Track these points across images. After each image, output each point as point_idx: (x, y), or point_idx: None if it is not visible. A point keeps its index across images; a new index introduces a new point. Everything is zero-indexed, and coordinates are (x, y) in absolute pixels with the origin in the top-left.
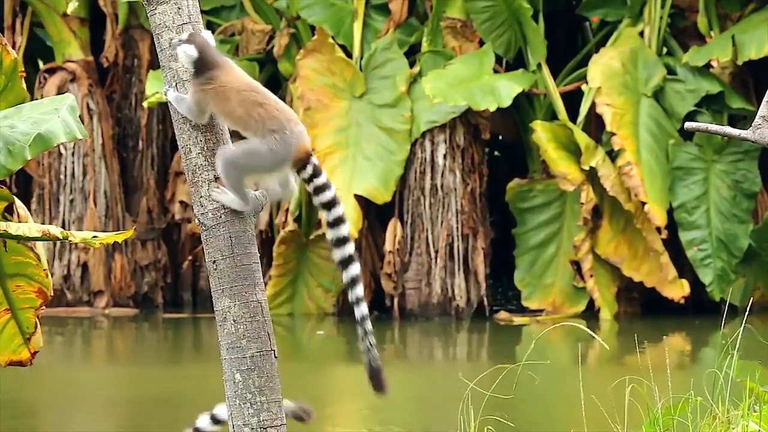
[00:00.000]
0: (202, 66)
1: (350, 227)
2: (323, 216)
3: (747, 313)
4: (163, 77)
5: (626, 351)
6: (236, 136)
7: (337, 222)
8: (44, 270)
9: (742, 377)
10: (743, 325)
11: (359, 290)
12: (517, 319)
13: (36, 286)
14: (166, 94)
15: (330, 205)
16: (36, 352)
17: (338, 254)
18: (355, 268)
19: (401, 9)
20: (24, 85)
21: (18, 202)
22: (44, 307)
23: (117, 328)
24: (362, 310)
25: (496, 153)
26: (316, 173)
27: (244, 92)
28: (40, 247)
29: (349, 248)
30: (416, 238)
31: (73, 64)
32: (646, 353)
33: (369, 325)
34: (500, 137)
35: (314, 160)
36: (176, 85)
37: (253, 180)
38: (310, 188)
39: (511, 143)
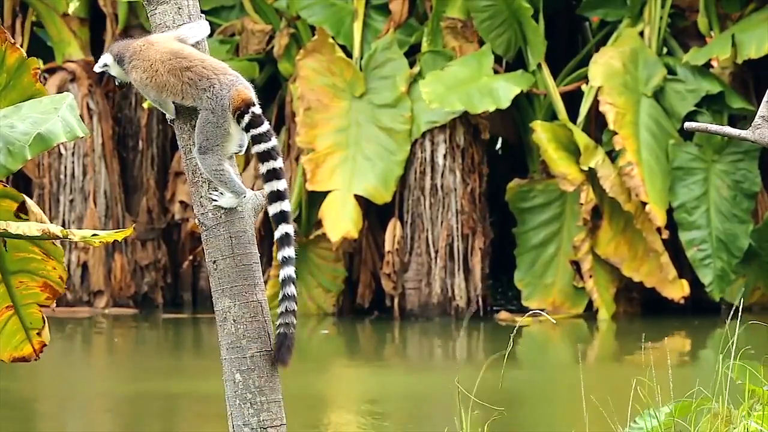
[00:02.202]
0: (121, 60)
1: (350, 227)
2: (259, 168)
3: (742, 312)
4: None
5: (626, 351)
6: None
7: (273, 175)
8: (54, 265)
9: (743, 377)
10: (736, 324)
11: (289, 250)
12: (520, 320)
13: (41, 281)
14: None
15: (267, 156)
16: (44, 346)
17: (272, 210)
18: (288, 228)
19: (401, 9)
20: (38, 84)
21: (29, 201)
22: (54, 302)
23: (117, 328)
24: (288, 271)
25: (497, 151)
26: (254, 123)
27: (168, 61)
28: (56, 243)
29: (284, 205)
30: (416, 238)
31: (73, 64)
32: (646, 353)
33: (292, 290)
34: (500, 138)
35: (254, 109)
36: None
37: (226, 150)
38: (249, 138)
39: (511, 144)
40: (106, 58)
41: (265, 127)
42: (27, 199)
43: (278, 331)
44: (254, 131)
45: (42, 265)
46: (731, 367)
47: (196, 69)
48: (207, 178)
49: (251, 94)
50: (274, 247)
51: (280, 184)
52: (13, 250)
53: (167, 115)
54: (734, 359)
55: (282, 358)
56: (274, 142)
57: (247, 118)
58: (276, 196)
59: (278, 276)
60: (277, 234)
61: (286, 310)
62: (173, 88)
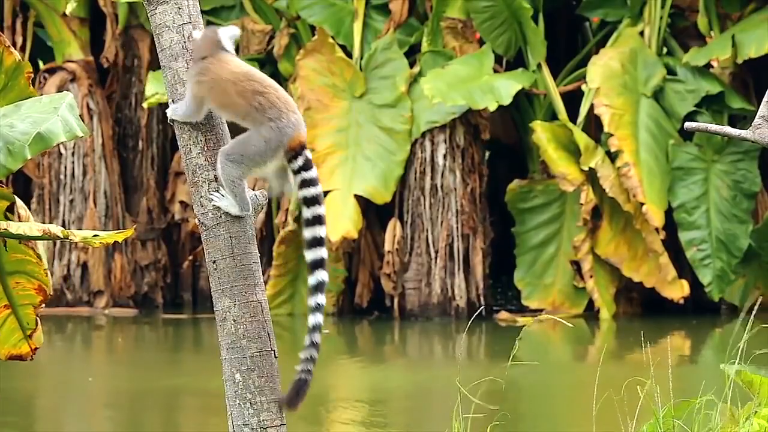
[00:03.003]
0: (198, 53)
1: (350, 227)
2: (303, 212)
3: (741, 312)
4: (163, 77)
5: (626, 350)
6: (234, 130)
7: (316, 221)
8: (44, 269)
9: (745, 378)
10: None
11: (322, 297)
12: (521, 320)
13: (36, 284)
14: (167, 113)
15: (312, 201)
16: (37, 348)
17: (311, 255)
18: (324, 275)
19: (401, 9)
20: (31, 87)
21: (19, 202)
22: (44, 305)
23: (117, 328)
24: (318, 318)
25: (498, 152)
26: (307, 166)
27: (242, 83)
28: (40, 247)
29: (323, 251)
30: (416, 238)
31: (73, 64)
32: (646, 353)
33: (318, 337)
34: (500, 139)
35: (307, 153)
36: (175, 90)
37: (252, 173)
38: (296, 180)
39: (511, 144)
40: (195, 33)
41: (315, 172)
42: (18, 200)
43: (298, 377)
44: (305, 174)
45: (37, 268)
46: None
47: (269, 96)
48: (221, 182)
49: (305, 137)
50: (308, 292)
51: (323, 231)
52: (11, 250)
53: (175, 114)
54: (738, 361)
55: (293, 403)
56: (320, 188)
57: (300, 160)
58: (317, 242)
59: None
60: (312, 280)
61: (310, 357)
62: (238, 108)
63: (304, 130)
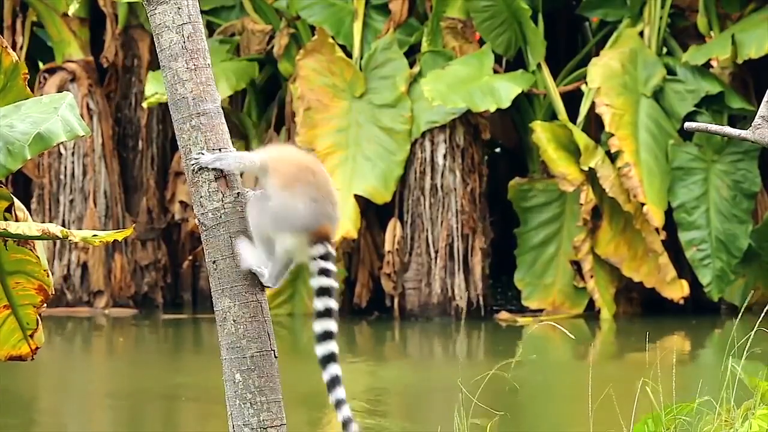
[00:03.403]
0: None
1: (350, 227)
2: (315, 302)
3: (742, 312)
4: (163, 77)
5: (626, 350)
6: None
7: (327, 314)
8: (44, 269)
9: (746, 377)
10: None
11: (341, 391)
12: (521, 320)
13: (36, 284)
14: (197, 161)
15: (325, 292)
16: (37, 348)
17: (321, 350)
18: (337, 368)
19: (401, 9)
20: (27, 89)
21: (17, 203)
22: (45, 305)
23: (117, 328)
24: (345, 413)
25: (497, 150)
26: (327, 256)
27: (302, 162)
28: (39, 248)
29: (334, 345)
30: (416, 238)
31: (73, 64)
32: (646, 353)
33: (355, 428)
34: (499, 140)
35: (330, 248)
36: (175, 90)
37: (275, 235)
38: (313, 267)
39: (511, 144)
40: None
41: (333, 265)
42: (16, 201)
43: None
44: (323, 263)
45: (37, 267)
46: (731, 368)
47: (321, 203)
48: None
49: (335, 232)
50: (319, 364)
51: (333, 324)
52: (11, 250)
53: (223, 165)
54: (737, 360)
55: None
56: (336, 283)
57: (322, 249)
58: (327, 336)
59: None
60: (326, 375)
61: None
62: (287, 174)
63: (336, 226)
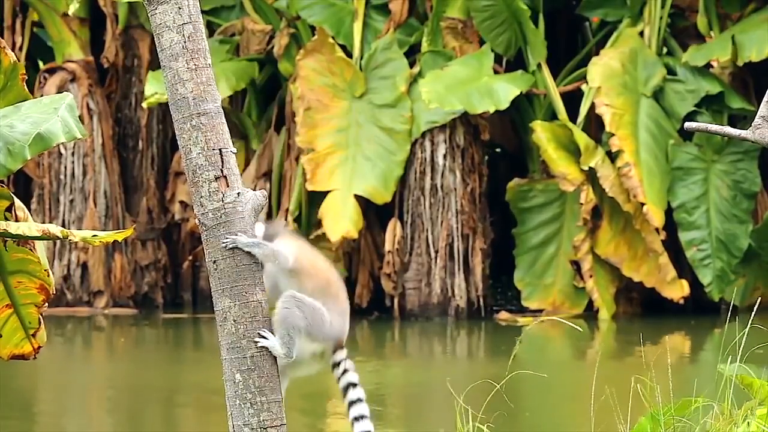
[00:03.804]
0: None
1: (350, 227)
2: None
3: (742, 312)
4: (163, 77)
5: (626, 350)
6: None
7: (359, 418)
8: (45, 269)
9: (745, 377)
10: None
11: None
12: (522, 320)
13: (38, 283)
14: (234, 241)
15: (353, 386)
16: (40, 347)
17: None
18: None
19: (401, 9)
20: (26, 89)
21: (18, 203)
22: (47, 304)
23: (117, 328)
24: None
25: (497, 150)
26: (345, 361)
27: (325, 264)
28: (40, 247)
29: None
30: (416, 238)
31: (73, 64)
32: (646, 353)
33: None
34: (500, 139)
35: (344, 355)
36: (176, 90)
37: (303, 337)
38: (336, 372)
39: (511, 144)
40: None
41: (357, 378)
42: (17, 201)
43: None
44: (345, 366)
45: (38, 267)
46: (732, 368)
47: (343, 317)
48: (276, 323)
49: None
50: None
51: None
52: (12, 250)
53: (261, 252)
54: (737, 360)
55: None
56: (363, 393)
57: (341, 355)
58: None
59: None
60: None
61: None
62: (319, 280)
63: (344, 334)
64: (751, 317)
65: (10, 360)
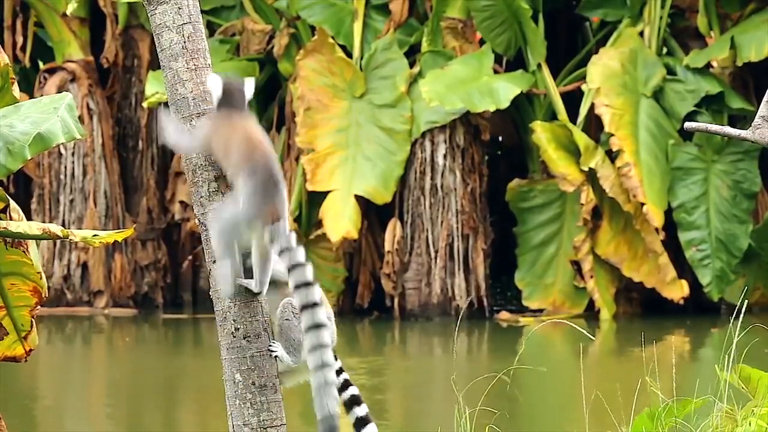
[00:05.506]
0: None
1: (350, 227)
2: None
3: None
4: (163, 77)
5: (626, 350)
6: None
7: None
8: (38, 272)
9: (743, 374)
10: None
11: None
12: (522, 320)
13: (31, 285)
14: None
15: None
16: (31, 350)
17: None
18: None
19: (401, 9)
20: (16, 91)
21: (13, 204)
22: (39, 307)
23: (117, 328)
24: (352, 390)
25: (498, 152)
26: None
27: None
28: (33, 250)
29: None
30: (416, 238)
31: (73, 64)
32: (646, 353)
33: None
34: (500, 138)
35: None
36: (176, 90)
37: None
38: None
39: (511, 144)
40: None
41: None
42: (12, 203)
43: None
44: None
45: (32, 270)
46: (731, 368)
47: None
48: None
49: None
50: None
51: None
52: (6, 252)
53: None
54: (737, 360)
55: None
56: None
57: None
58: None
59: None
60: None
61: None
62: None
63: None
64: (741, 316)
65: (1, 362)
